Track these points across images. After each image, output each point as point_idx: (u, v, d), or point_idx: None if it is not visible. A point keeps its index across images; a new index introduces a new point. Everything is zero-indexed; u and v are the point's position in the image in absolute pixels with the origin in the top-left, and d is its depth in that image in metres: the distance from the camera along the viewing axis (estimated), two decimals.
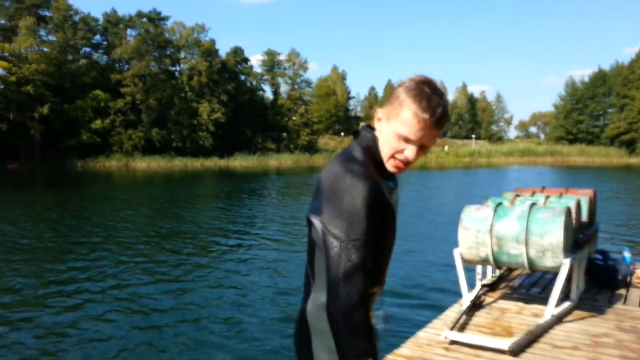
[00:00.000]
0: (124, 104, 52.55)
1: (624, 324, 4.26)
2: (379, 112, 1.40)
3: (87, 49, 56.82)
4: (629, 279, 5.56)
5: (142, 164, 49.58)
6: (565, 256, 4.33)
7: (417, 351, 3.69)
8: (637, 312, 4.58)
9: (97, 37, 57.15)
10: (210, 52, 57.89)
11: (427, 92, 1.30)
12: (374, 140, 1.39)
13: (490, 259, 4.60)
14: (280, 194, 22.62)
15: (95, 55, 57.84)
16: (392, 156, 1.36)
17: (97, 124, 50.16)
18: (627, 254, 5.98)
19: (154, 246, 10.28)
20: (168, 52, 57.28)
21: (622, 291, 5.22)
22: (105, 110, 51.68)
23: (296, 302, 6.05)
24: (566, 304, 4.58)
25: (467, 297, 4.76)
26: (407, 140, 1.31)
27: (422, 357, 3.59)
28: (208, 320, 5.78)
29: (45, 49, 50.21)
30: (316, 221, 1.30)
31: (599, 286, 5.34)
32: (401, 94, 1.31)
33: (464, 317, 4.42)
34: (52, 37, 51.92)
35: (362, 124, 1.56)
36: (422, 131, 1.30)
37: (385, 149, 1.36)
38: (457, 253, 4.74)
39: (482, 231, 4.55)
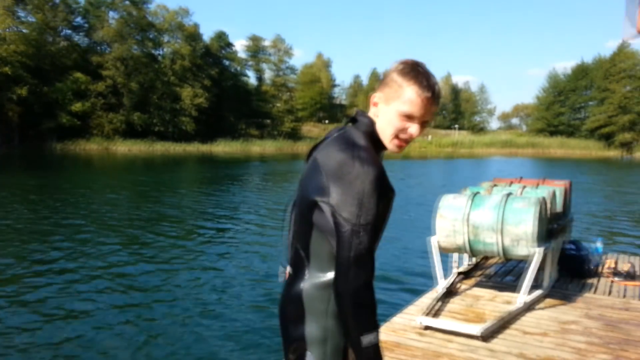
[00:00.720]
0: (104, 87, 51.62)
1: (592, 311, 4.39)
2: (375, 97, 1.46)
3: (68, 31, 55.46)
4: (599, 268, 5.71)
5: (123, 148, 48.92)
6: (538, 245, 4.44)
7: (392, 336, 3.76)
8: (605, 301, 4.72)
9: (78, 18, 55.78)
10: (193, 36, 57.08)
11: (424, 72, 1.40)
12: (372, 125, 1.45)
13: (466, 247, 4.69)
14: (264, 180, 22.60)
15: (76, 38, 56.50)
16: (396, 136, 1.43)
17: (77, 106, 49.23)
18: (599, 245, 6.14)
19: (135, 229, 10.22)
20: (150, 36, 56.34)
21: (593, 280, 5.37)
22: (86, 93, 50.71)
23: (278, 285, 6.13)
24: (537, 292, 4.70)
25: (442, 284, 4.85)
26: (411, 118, 1.40)
27: (396, 341, 3.66)
28: (189, 301, 5.82)
29: (24, 30, 48.98)
30: (324, 205, 1.35)
31: (570, 275, 5.48)
32: (398, 77, 1.40)
33: (438, 303, 4.51)
34: (31, 18, 50.62)
35: (355, 109, 1.59)
36: (425, 108, 1.39)
37: (387, 130, 1.43)
38: (433, 241, 4.81)
39: (459, 220, 4.63)
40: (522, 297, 4.43)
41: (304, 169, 1.51)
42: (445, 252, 4.93)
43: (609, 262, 5.71)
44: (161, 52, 57.91)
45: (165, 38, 57.63)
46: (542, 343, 3.68)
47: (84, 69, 51.13)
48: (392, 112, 1.41)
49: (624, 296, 4.88)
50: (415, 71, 1.40)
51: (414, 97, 1.38)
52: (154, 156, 41.19)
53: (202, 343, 4.69)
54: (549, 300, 4.68)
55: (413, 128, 1.42)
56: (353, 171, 1.32)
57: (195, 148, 51.53)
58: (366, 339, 1.30)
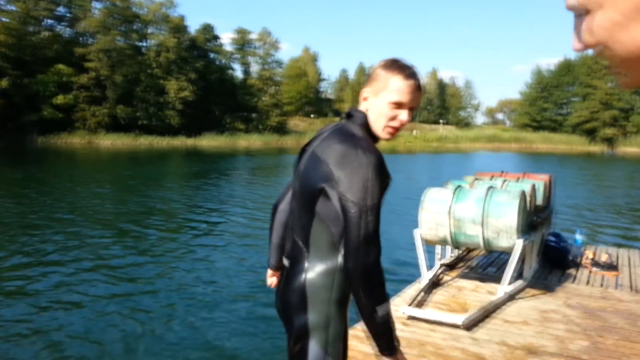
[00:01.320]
0: (88, 79, 50.90)
1: (571, 301, 4.51)
2: (364, 92, 1.59)
3: (50, 21, 54.57)
4: (579, 259, 5.84)
5: (106, 141, 48.37)
6: (519, 237, 4.53)
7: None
8: (584, 290, 4.84)
9: (61, 8, 54.91)
10: (179, 28, 56.46)
11: (404, 64, 1.56)
12: (366, 118, 1.58)
13: (449, 239, 4.77)
14: (251, 174, 22.56)
15: (59, 28, 55.63)
16: (388, 124, 1.56)
17: (60, 99, 48.53)
18: (579, 237, 6.28)
19: (122, 223, 10.17)
20: (135, 27, 55.65)
21: (572, 271, 5.49)
22: (69, 86, 49.96)
23: (264, 281, 6.17)
24: (519, 283, 4.80)
25: (426, 276, 4.93)
26: (400, 105, 1.53)
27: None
28: (180, 292, 5.83)
29: (4, 19, 48.07)
30: (332, 191, 1.45)
31: (551, 266, 5.60)
32: (383, 70, 1.54)
33: (422, 294, 4.58)
34: (11, 7, 49.69)
35: (348, 106, 1.82)
36: (411, 94, 1.53)
37: (380, 120, 1.56)
38: (417, 233, 4.89)
39: (442, 213, 4.71)
40: (504, 287, 4.52)
41: (301, 164, 1.60)
42: (429, 245, 5.01)
43: (589, 253, 5.84)
44: (146, 44, 57.22)
45: (150, 30, 56.94)
46: (522, 331, 3.78)
47: (67, 61, 50.36)
48: (382, 102, 1.53)
49: (602, 286, 5.01)
50: (397, 63, 1.55)
51: (400, 86, 1.51)
52: (138, 150, 40.82)
53: (193, 332, 4.72)
54: (530, 290, 4.79)
55: (403, 114, 1.54)
56: (356, 159, 1.43)
57: (180, 142, 51.13)
58: (381, 310, 1.43)
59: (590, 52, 0.50)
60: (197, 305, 5.44)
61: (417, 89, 1.54)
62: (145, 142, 49.65)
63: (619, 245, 7.61)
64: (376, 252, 1.41)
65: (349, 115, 1.61)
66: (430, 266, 5.11)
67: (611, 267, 5.54)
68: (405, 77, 1.52)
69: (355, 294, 1.44)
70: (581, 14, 0.48)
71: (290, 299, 1.56)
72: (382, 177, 1.48)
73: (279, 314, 1.67)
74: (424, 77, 1.63)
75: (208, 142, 52.77)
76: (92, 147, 43.27)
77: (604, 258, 5.67)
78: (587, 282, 5.12)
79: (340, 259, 1.50)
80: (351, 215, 1.40)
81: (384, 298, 1.44)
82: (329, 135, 1.54)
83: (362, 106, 1.60)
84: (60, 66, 49.33)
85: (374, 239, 1.41)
